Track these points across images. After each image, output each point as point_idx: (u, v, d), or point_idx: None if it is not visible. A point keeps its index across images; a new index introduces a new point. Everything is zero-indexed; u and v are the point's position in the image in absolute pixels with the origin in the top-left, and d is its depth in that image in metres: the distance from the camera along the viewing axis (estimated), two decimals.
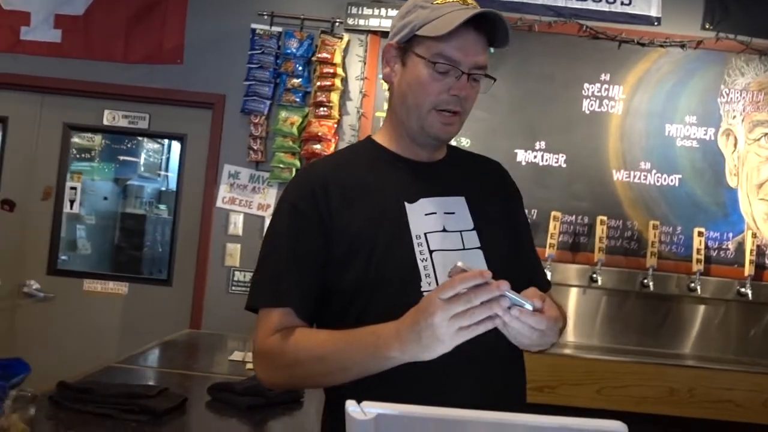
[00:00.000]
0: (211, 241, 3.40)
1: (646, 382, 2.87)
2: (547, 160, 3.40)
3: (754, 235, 3.34)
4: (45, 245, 3.46)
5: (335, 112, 3.36)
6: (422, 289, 1.11)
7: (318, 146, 3.30)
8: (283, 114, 3.37)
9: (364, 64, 3.41)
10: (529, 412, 0.75)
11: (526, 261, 1.31)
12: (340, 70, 3.36)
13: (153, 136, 3.64)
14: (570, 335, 3.33)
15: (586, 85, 3.42)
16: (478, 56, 1.16)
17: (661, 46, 3.40)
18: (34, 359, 3.22)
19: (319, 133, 3.31)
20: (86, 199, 3.58)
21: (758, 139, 3.42)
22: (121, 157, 3.69)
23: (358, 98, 3.42)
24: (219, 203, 3.41)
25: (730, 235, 3.38)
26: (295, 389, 1.56)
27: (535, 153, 3.40)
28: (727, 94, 3.42)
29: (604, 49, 3.41)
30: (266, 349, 1.13)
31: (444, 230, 1.19)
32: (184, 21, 3.47)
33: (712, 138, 3.42)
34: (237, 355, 2.14)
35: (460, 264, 0.95)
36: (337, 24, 3.41)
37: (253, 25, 3.42)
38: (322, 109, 3.34)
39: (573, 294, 3.34)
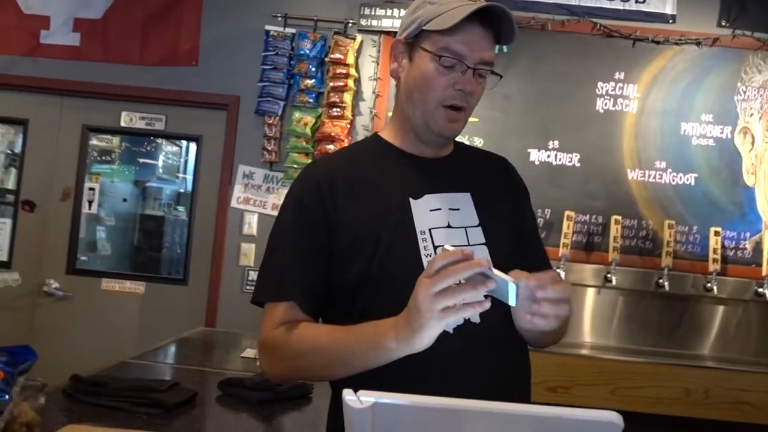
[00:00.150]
0: (226, 241, 3.43)
1: (661, 382, 2.84)
2: (560, 160, 3.39)
3: None
4: (64, 245, 3.52)
5: (348, 113, 3.38)
6: None
7: (331, 146, 3.33)
8: (297, 115, 3.40)
9: (377, 64, 3.43)
10: None
11: (532, 257, 1.31)
12: (353, 71, 3.38)
13: (169, 137, 3.69)
14: (584, 335, 3.31)
15: (600, 84, 3.41)
16: (483, 51, 1.17)
17: (676, 43, 3.37)
18: (53, 356, 3.28)
19: (333, 134, 3.34)
20: (106, 200, 3.64)
21: None
22: (141, 160, 3.74)
23: (371, 98, 3.44)
24: (234, 203, 3.45)
25: (747, 234, 3.33)
26: (297, 381, 1.58)
27: (548, 152, 3.39)
28: (744, 92, 3.38)
29: (618, 48, 3.39)
30: (270, 341, 1.14)
31: (449, 226, 1.19)
32: (199, 23, 3.51)
33: (729, 136, 3.38)
34: (249, 353, 2.16)
35: (447, 246, 0.97)
36: (350, 25, 3.43)
37: (267, 27, 3.45)
38: (335, 109, 3.37)
39: (587, 294, 3.32)
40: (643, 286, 3.29)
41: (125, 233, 3.72)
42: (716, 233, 3.26)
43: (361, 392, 0.74)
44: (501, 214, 1.26)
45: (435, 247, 1.17)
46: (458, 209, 1.22)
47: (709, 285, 3.21)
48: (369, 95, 3.44)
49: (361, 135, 3.42)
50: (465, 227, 1.21)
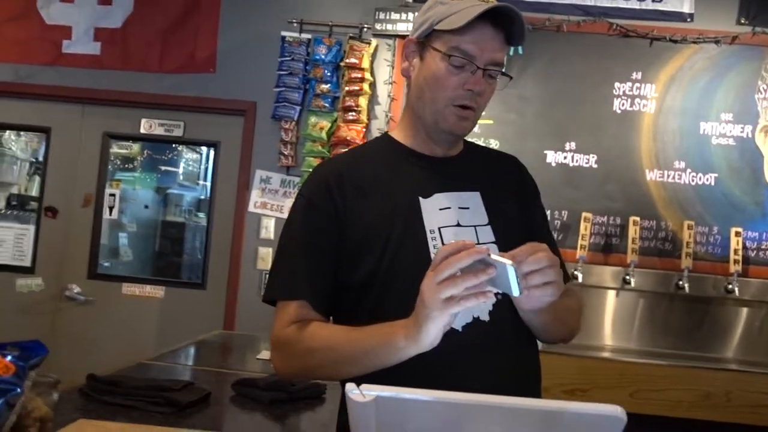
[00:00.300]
0: (244, 245, 3.47)
1: (682, 385, 2.80)
2: (577, 161, 3.36)
3: None
4: (86, 250, 3.58)
5: (364, 117, 3.40)
6: None
7: (347, 150, 3.34)
8: (313, 119, 3.43)
9: (392, 68, 3.44)
10: None
11: None
12: (368, 75, 3.40)
13: (188, 143, 3.74)
14: (603, 338, 3.28)
15: (616, 84, 3.38)
16: (494, 52, 1.17)
17: (695, 42, 3.33)
18: (75, 359, 3.34)
19: (348, 138, 3.35)
20: (128, 207, 3.70)
21: None
22: (162, 167, 3.80)
23: (387, 102, 3.45)
24: (251, 208, 3.48)
25: None
26: (310, 381, 1.59)
27: (565, 154, 3.37)
28: (765, 90, 3.33)
29: (634, 47, 3.36)
30: (282, 339, 1.16)
31: (458, 225, 1.20)
32: (217, 31, 3.56)
33: (750, 135, 3.33)
34: (265, 354, 2.18)
35: (453, 242, 0.97)
36: (365, 29, 3.45)
37: (283, 33, 3.49)
38: (350, 113, 3.39)
39: (606, 296, 3.29)
40: (662, 288, 3.25)
41: (147, 239, 3.78)
42: (737, 234, 3.21)
43: (363, 386, 0.75)
44: (511, 213, 1.26)
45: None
46: (468, 208, 1.22)
47: (730, 286, 3.16)
48: (384, 99, 3.46)
49: None
50: (474, 226, 1.21)
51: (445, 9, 1.17)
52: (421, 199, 1.20)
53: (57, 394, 0.89)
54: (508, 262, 0.92)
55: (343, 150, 3.36)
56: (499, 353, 1.14)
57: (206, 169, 3.76)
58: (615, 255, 3.29)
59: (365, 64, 3.39)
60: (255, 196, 3.48)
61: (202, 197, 3.74)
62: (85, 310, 3.54)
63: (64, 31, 3.62)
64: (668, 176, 3.34)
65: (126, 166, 3.75)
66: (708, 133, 3.34)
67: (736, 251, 3.18)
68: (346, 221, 1.18)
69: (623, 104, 3.38)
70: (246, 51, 3.53)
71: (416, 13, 1.25)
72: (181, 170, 3.85)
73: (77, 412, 1.25)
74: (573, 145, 3.37)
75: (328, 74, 3.44)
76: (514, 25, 1.16)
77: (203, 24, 3.57)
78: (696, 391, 2.78)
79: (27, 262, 3.59)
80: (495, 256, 0.93)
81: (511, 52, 3.24)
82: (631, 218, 3.24)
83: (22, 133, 3.78)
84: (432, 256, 1.15)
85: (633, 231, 3.22)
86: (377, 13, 3.43)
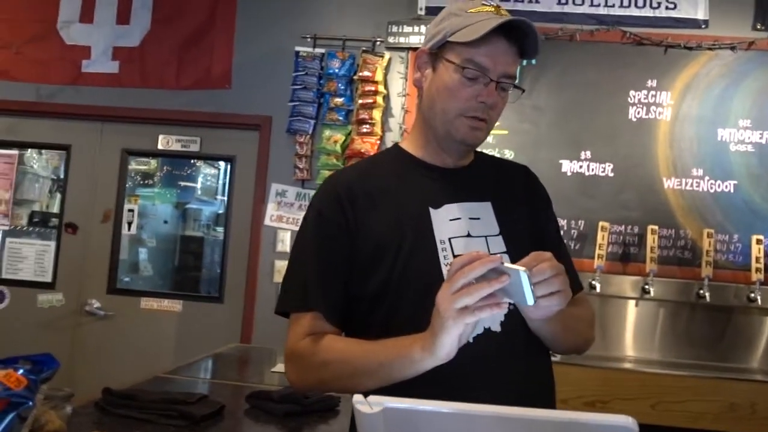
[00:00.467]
0: (260, 258, 3.48)
1: (705, 396, 2.75)
2: (593, 170, 3.34)
3: None
4: (105, 265, 3.62)
5: (378, 129, 3.41)
6: None
7: (357, 161, 3.36)
8: (327, 132, 3.45)
9: (406, 80, 3.45)
10: None
11: None
12: (381, 88, 3.42)
13: (204, 158, 3.78)
14: (624, 348, 3.24)
15: (632, 93, 3.36)
16: (508, 66, 1.17)
17: (710, 49, 3.30)
18: (94, 373, 3.37)
19: (362, 150, 3.37)
20: (148, 223, 3.75)
21: None
22: (181, 183, 3.85)
23: (401, 114, 3.46)
24: (267, 221, 3.50)
25: None
26: (324, 394, 1.58)
27: (580, 163, 3.34)
28: None
29: (649, 55, 3.34)
30: (297, 351, 1.16)
31: (469, 235, 1.19)
32: (232, 47, 3.61)
33: None
34: (280, 367, 2.18)
35: (467, 253, 0.98)
36: (378, 43, 3.47)
37: (297, 48, 3.52)
38: (364, 126, 3.40)
39: (625, 306, 3.25)
40: (683, 298, 3.20)
41: (166, 254, 3.82)
42: (758, 241, 3.15)
43: (371, 397, 0.75)
44: (522, 223, 1.25)
45: (455, 257, 1.16)
46: (478, 218, 1.21)
47: (752, 295, 3.10)
48: (398, 111, 3.47)
49: None
50: (485, 236, 1.20)
51: (459, 21, 1.17)
52: (431, 209, 1.20)
53: (70, 408, 0.90)
54: (521, 269, 0.92)
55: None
56: (511, 364, 1.13)
57: (224, 183, 3.80)
58: (633, 264, 3.25)
59: (378, 77, 3.41)
60: (271, 210, 3.50)
61: (220, 212, 3.77)
62: (104, 325, 3.57)
63: (83, 51, 3.70)
64: (686, 184, 3.30)
65: (146, 182, 3.80)
66: (726, 140, 3.30)
67: (757, 259, 3.13)
68: (357, 232, 1.18)
69: (639, 112, 3.35)
70: (261, 66, 3.57)
71: (429, 26, 1.25)
72: (199, 185, 3.89)
73: (93, 425, 1.26)
74: (588, 154, 3.35)
75: (342, 88, 3.46)
76: (528, 38, 1.16)
77: (218, 41, 3.62)
78: (720, 402, 2.73)
79: (48, 278, 3.64)
80: (508, 264, 0.94)
81: (524, 63, 3.24)
82: (650, 227, 3.21)
83: (43, 151, 3.85)
84: (442, 266, 1.15)
85: (651, 240, 3.18)
86: (390, 26, 3.46)
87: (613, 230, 3.26)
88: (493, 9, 1.17)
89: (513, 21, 1.13)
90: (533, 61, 3.30)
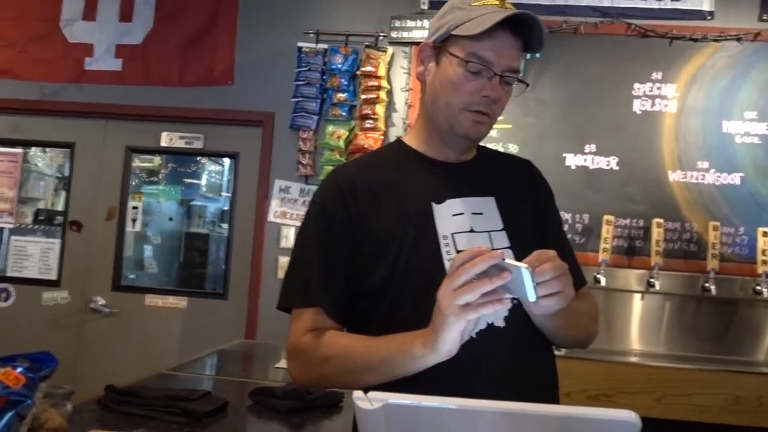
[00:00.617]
0: (264, 254, 3.48)
1: (710, 389, 2.74)
2: (597, 163, 3.32)
3: None
4: (110, 263, 3.63)
5: (381, 124, 3.40)
6: None
7: (360, 156, 3.35)
8: (330, 128, 3.44)
9: (409, 75, 3.44)
10: None
11: None
12: (384, 83, 3.40)
13: (208, 155, 3.78)
14: (629, 342, 3.22)
15: (636, 85, 3.34)
16: (512, 59, 1.16)
17: (716, 40, 3.28)
18: (100, 370, 3.37)
19: (366, 146, 3.36)
20: (153, 220, 3.75)
21: None
22: (186, 180, 3.85)
23: (404, 109, 3.45)
24: (271, 217, 3.50)
25: None
26: (327, 389, 1.58)
27: (584, 156, 3.33)
28: None
29: (654, 47, 3.31)
30: (299, 347, 1.15)
31: (472, 231, 1.18)
32: (234, 44, 3.60)
33: None
34: (284, 363, 2.17)
35: (468, 249, 0.97)
36: (380, 38, 3.46)
37: (300, 44, 3.51)
38: (368, 121, 3.39)
39: (631, 299, 3.23)
40: (689, 291, 3.18)
41: (171, 251, 3.83)
42: (764, 234, 3.13)
43: (371, 393, 0.74)
44: (525, 218, 1.24)
45: (458, 252, 1.15)
46: (481, 213, 1.20)
47: (758, 288, 3.08)
48: (401, 106, 3.46)
49: None
50: (488, 231, 1.19)
51: (462, 14, 1.16)
52: (434, 204, 1.19)
53: (71, 405, 0.90)
54: (523, 265, 0.91)
55: None
56: (514, 359, 1.12)
57: (229, 180, 3.80)
58: (639, 258, 3.24)
59: (381, 72, 3.40)
60: (274, 206, 3.50)
61: (225, 208, 3.77)
62: (109, 322, 3.58)
63: (86, 49, 3.70)
64: (692, 177, 3.28)
65: (150, 179, 3.81)
66: (731, 132, 3.28)
67: (763, 252, 3.10)
68: (360, 227, 1.17)
69: (644, 105, 3.33)
70: (263, 63, 3.57)
71: (432, 19, 1.24)
72: (204, 182, 3.90)
73: (95, 423, 1.26)
74: (593, 147, 3.33)
75: (345, 83, 3.45)
76: (533, 32, 1.14)
77: (221, 37, 3.62)
78: (726, 395, 2.71)
79: (53, 276, 3.65)
80: (510, 261, 0.93)
81: (528, 56, 3.22)
82: (655, 220, 3.19)
83: (47, 149, 3.86)
84: (445, 262, 1.14)
85: (657, 233, 3.16)
86: (392, 21, 3.44)
87: (618, 224, 3.25)
88: (497, 2, 1.16)
89: (518, 14, 1.11)
90: (537, 55, 3.28)
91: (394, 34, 3.45)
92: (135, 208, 3.70)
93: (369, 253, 1.16)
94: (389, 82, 3.45)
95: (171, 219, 3.84)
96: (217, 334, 3.27)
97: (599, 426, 0.72)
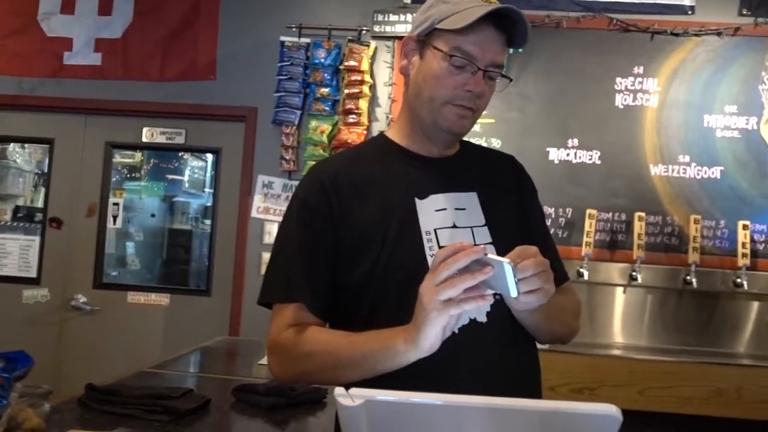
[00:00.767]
0: (248, 250, 3.46)
1: (692, 382, 2.77)
2: (580, 158, 3.34)
3: None
4: (91, 260, 3.59)
5: (364, 119, 3.39)
6: None
7: (342, 150, 3.34)
8: (314, 123, 3.42)
9: (392, 70, 3.43)
10: None
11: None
12: (368, 77, 3.39)
13: (189, 150, 3.74)
14: (612, 335, 3.25)
15: (618, 80, 3.36)
16: (495, 54, 1.15)
17: (696, 35, 3.30)
18: (82, 369, 3.33)
19: (349, 140, 3.35)
20: (135, 217, 3.71)
21: None
22: (168, 176, 3.81)
23: (387, 104, 3.44)
24: (254, 213, 3.48)
25: None
26: (310, 386, 1.57)
27: (567, 151, 3.34)
28: None
29: (635, 42, 3.33)
30: (279, 343, 1.14)
31: (454, 226, 1.18)
32: (216, 38, 3.56)
33: (755, 127, 3.30)
34: (266, 359, 2.16)
35: (450, 244, 0.97)
36: (363, 32, 3.44)
37: (282, 38, 3.49)
38: (351, 116, 3.38)
39: (613, 293, 3.26)
40: (670, 284, 3.22)
41: (154, 248, 3.79)
42: (745, 227, 3.17)
43: (352, 390, 0.73)
44: (508, 213, 1.24)
45: (440, 248, 1.15)
46: (464, 209, 1.20)
47: (738, 280, 3.12)
48: (385, 101, 3.45)
49: None
50: (471, 227, 1.19)
51: (447, 8, 1.15)
52: (416, 200, 1.18)
53: (49, 405, 0.89)
54: (505, 260, 0.91)
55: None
56: (496, 355, 1.12)
57: (212, 176, 3.77)
58: (621, 251, 3.26)
59: (365, 66, 3.38)
60: (257, 202, 3.48)
61: (208, 204, 3.74)
62: (91, 320, 3.54)
63: (64, 43, 3.64)
64: (673, 171, 3.30)
65: (132, 175, 3.76)
66: (712, 126, 3.31)
67: (744, 245, 3.14)
68: (342, 222, 1.16)
69: (626, 99, 3.35)
70: (246, 57, 3.53)
71: (416, 12, 1.23)
72: (186, 178, 3.86)
73: (75, 422, 1.24)
74: (576, 141, 3.35)
75: (328, 78, 3.43)
76: (517, 27, 1.14)
77: (203, 31, 3.58)
78: (706, 387, 2.75)
79: (33, 273, 3.60)
80: (492, 256, 0.92)
81: (511, 51, 3.22)
82: (637, 214, 3.21)
83: (26, 145, 3.80)
84: (428, 257, 1.14)
85: (639, 227, 3.19)
86: (375, 15, 3.43)
87: (600, 218, 3.27)
88: None
89: (502, 9, 1.11)
90: (520, 50, 3.28)
91: (377, 29, 3.44)
92: (116, 204, 3.65)
93: (352, 248, 1.16)
94: (372, 77, 3.43)
95: (153, 215, 3.80)
96: (200, 331, 3.24)
97: (581, 420, 0.72)
